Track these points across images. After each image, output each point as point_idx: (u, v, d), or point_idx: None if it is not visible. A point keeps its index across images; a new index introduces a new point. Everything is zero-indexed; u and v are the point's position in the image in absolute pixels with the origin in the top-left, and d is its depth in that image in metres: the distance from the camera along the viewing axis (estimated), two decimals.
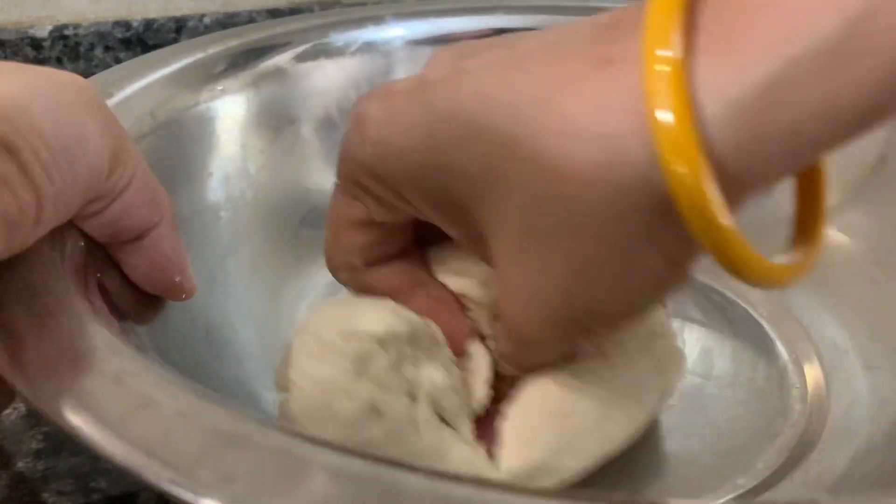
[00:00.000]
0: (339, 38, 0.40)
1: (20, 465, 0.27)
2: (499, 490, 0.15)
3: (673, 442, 0.28)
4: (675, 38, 0.16)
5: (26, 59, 0.52)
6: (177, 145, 0.34)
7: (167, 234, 0.25)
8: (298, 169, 0.38)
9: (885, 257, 0.31)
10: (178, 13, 0.54)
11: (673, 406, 0.29)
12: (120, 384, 0.17)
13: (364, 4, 0.55)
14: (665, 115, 0.16)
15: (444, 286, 0.25)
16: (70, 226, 0.23)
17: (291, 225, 0.37)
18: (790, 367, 0.32)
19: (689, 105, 0.16)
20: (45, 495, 0.26)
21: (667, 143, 0.16)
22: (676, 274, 0.19)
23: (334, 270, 0.26)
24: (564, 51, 0.18)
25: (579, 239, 0.18)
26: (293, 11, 0.55)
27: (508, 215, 0.19)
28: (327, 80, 0.39)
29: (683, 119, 0.16)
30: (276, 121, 0.38)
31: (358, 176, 0.23)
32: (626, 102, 0.16)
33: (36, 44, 0.52)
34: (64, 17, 0.53)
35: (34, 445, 0.28)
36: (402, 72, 0.39)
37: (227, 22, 0.54)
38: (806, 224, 0.22)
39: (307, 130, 0.38)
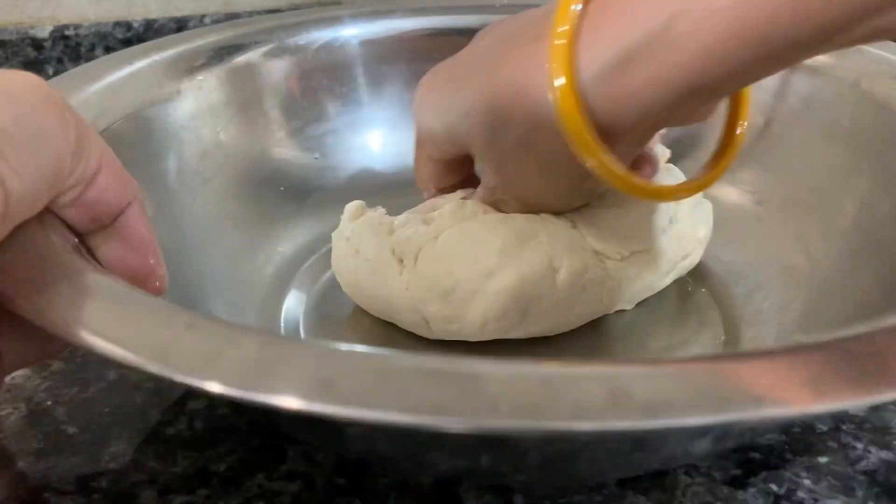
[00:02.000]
0: (301, 38, 0.43)
1: (21, 464, 0.27)
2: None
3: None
4: (570, 22, 0.25)
5: (27, 59, 0.53)
6: (159, 128, 0.36)
7: (140, 214, 0.25)
8: (266, 143, 0.41)
9: (764, 198, 0.38)
10: (178, 13, 0.54)
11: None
12: (195, 331, 0.19)
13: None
14: (558, 79, 0.25)
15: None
16: (61, 228, 0.23)
17: (260, 192, 0.40)
18: (703, 301, 0.36)
19: (573, 70, 0.25)
20: (45, 495, 0.26)
21: (559, 94, 0.25)
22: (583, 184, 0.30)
23: (421, 191, 0.36)
24: (518, 37, 0.28)
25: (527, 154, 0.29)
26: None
27: (502, 147, 0.30)
28: (292, 71, 0.43)
29: (569, 78, 0.25)
30: (246, 103, 0.41)
31: (426, 136, 0.34)
32: (541, 65, 0.26)
33: (37, 44, 0.52)
34: (65, 18, 0.53)
35: (35, 445, 0.28)
36: (358, 65, 0.44)
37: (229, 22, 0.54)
38: (720, 151, 0.30)
39: (275, 112, 0.42)
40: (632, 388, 0.17)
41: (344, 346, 0.19)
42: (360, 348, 0.19)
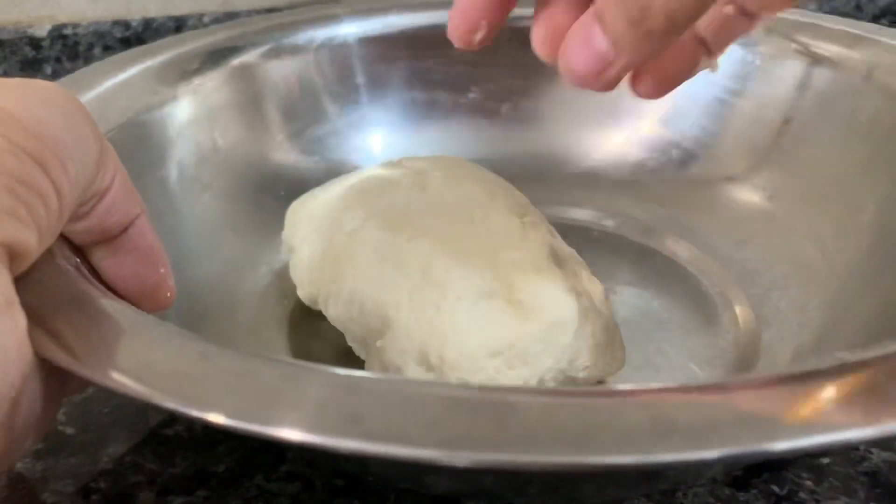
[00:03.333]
0: (299, 37, 0.43)
1: (19, 465, 0.27)
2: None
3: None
4: None
5: (25, 59, 0.52)
6: (155, 134, 0.36)
7: (148, 224, 0.25)
8: (265, 146, 0.41)
9: (776, 195, 0.37)
10: (177, 13, 0.54)
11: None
12: (209, 362, 0.18)
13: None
14: None
15: None
16: (59, 244, 0.23)
17: (259, 197, 0.39)
18: (719, 301, 0.35)
19: None
20: (44, 496, 0.26)
21: None
22: None
23: None
24: None
25: None
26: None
27: None
28: (291, 71, 0.42)
29: None
30: (244, 106, 0.40)
31: None
32: None
33: (35, 43, 0.52)
34: (63, 17, 0.53)
35: (33, 446, 0.28)
36: (357, 64, 0.43)
37: (227, 21, 0.54)
38: None
39: (274, 114, 0.41)
40: (675, 416, 0.16)
41: (369, 375, 0.17)
42: (386, 377, 0.18)
